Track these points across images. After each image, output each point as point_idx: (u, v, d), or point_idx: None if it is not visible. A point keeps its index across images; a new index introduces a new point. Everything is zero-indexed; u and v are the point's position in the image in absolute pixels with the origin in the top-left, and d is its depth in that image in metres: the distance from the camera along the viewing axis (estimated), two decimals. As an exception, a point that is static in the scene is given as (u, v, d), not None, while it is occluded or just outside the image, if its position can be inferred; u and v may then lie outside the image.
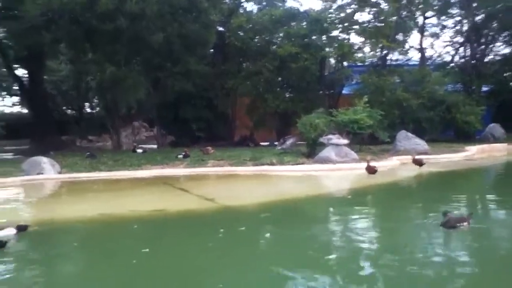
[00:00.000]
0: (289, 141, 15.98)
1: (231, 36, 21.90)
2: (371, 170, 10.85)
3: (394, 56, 23.01)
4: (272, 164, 12.92)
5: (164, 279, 4.40)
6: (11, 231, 5.85)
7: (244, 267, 4.80)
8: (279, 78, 22.61)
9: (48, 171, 11.84)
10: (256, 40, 22.35)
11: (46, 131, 21.10)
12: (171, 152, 16.41)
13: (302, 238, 5.75)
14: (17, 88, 28.75)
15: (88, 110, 32.39)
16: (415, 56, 24.18)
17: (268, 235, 6.02)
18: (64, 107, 31.57)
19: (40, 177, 11.58)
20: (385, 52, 22.23)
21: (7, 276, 4.58)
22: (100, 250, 5.61)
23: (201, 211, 7.80)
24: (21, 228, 5.94)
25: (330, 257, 4.92)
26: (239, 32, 21.95)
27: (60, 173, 12.20)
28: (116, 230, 6.77)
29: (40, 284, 4.41)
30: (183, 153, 14.98)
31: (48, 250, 5.53)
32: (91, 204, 8.58)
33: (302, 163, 12.99)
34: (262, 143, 21.32)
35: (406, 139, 15.29)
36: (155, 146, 22.08)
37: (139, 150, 17.57)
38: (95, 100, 30.08)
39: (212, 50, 22.73)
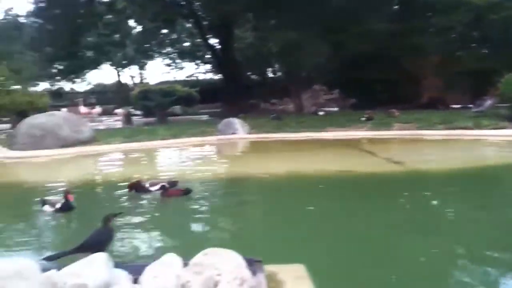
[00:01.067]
0: (487, 103, 14.22)
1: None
2: None
3: None
4: (467, 128, 11.68)
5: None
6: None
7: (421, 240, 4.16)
8: (475, 33, 20.10)
9: (240, 131, 12.88)
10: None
11: (235, 95, 22.89)
12: (353, 115, 16.18)
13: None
14: (209, 56, 31.78)
15: (271, 75, 33.92)
16: None
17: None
18: (248, 73, 33.66)
19: (233, 137, 12.69)
20: None
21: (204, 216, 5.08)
22: (287, 204, 5.69)
23: (388, 173, 7.47)
24: (172, 185, 6.16)
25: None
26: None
27: (249, 133, 13.14)
28: (303, 186, 6.89)
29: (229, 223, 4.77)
30: (366, 116, 14.60)
31: (235, 198, 6.01)
32: (278, 162, 8.99)
33: (504, 128, 11.46)
34: (453, 106, 19.48)
35: None
36: (335, 109, 22.09)
37: (321, 113, 17.78)
38: (277, 65, 31.30)
39: (396, 7, 21.31)
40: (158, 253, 3.71)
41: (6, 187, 7.68)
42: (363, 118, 14.41)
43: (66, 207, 5.15)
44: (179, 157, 11.01)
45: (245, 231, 4.69)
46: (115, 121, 24.69)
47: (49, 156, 10.82)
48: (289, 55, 20.27)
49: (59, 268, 2.35)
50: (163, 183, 5.96)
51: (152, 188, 6.00)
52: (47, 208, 5.22)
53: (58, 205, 5.17)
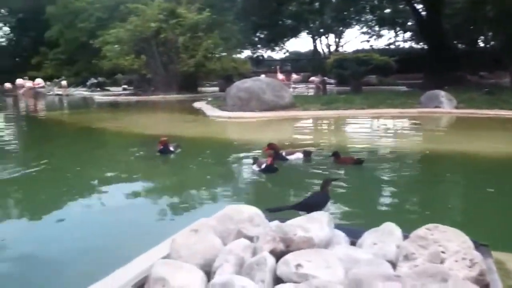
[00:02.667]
0: None
1: None
2: None
3: None
4: None
5: None
6: (299, 156, 6.27)
7: None
8: None
9: (445, 105, 11.84)
10: None
11: (439, 65, 21.10)
12: None
13: None
14: (411, 23, 29.86)
15: (481, 44, 30.27)
16: None
17: None
18: (455, 42, 30.61)
19: (436, 111, 11.74)
20: None
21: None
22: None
23: None
24: (307, 154, 6.33)
25: None
26: None
27: (456, 108, 11.98)
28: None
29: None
30: None
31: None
32: (487, 141, 8.01)
33: None
34: None
35: None
36: None
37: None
38: (490, 33, 27.67)
39: None
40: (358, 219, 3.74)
41: (219, 142, 8.68)
42: None
43: (270, 169, 5.50)
44: (375, 127, 10.75)
45: (452, 210, 4.34)
46: (308, 89, 25.44)
47: (254, 117, 11.75)
48: (507, 22, 17.60)
49: (281, 220, 2.50)
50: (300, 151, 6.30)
51: (291, 157, 6.21)
52: (254, 167, 5.66)
53: (263, 166, 5.54)
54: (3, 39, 48.31)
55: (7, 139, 10.33)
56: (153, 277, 1.98)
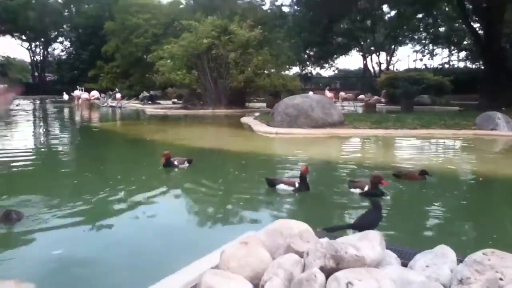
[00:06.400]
0: None
1: None
2: None
3: None
4: None
5: None
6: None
7: None
8: None
9: (502, 127, 11.33)
10: None
11: (497, 86, 20.25)
12: None
13: None
14: (467, 42, 28.99)
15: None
16: None
17: None
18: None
19: (493, 133, 11.25)
20: None
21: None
22: None
23: None
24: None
25: None
26: None
27: (514, 130, 11.45)
28: None
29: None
30: None
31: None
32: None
33: None
34: None
35: None
36: None
37: None
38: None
39: None
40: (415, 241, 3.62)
41: (271, 158, 8.75)
42: None
43: (374, 193, 5.03)
44: (426, 148, 10.41)
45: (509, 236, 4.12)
46: (356, 107, 25.14)
47: (302, 134, 11.72)
48: None
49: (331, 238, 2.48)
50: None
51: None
52: (355, 190, 5.26)
53: (365, 189, 5.12)
54: (63, 53, 51.24)
55: (65, 146, 10.86)
56: (203, 286, 2.01)
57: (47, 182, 6.39)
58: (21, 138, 12.30)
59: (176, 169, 6.82)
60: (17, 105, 25.90)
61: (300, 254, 2.33)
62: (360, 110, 22.80)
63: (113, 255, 3.54)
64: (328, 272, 2.09)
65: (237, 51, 21.07)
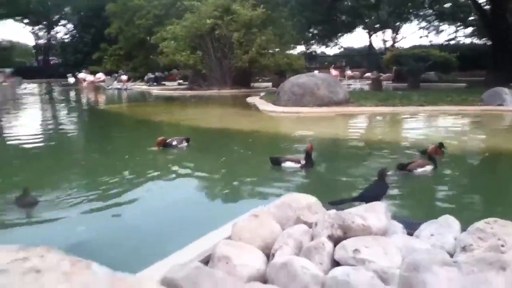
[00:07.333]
0: None
1: None
2: None
3: None
4: None
5: None
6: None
7: None
8: None
9: (509, 102, 11.31)
10: None
11: (504, 62, 20.04)
12: None
13: None
14: (473, 18, 28.57)
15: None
16: None
17: None
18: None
19: (500, 108, 11.24)
20: None
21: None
22: None
23: None
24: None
25: None
26: None
27: (520, 105, 11.42)
28: None
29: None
30: None
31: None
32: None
33: None
34: None
35: None
36: None
37: None
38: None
39: None
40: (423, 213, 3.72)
41: (277, 136, 8.83)
42: None
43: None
44: (433, 125, 10.42)
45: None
46: (362, 85, 25.02)
47: (309, 113, 11.76)
48: None
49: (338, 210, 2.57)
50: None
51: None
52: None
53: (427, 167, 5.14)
54: (66, 36, 51.03)
55: (72, 128, 10.99)
56: (217, 256, 2.11)
57: (58, 162, 6.54)
58: (31, 121, 12.45)
59: (175, 150, 6.88)
60: (24, 89, 26.03)
61: (309, 225, 2.43)
62: (366, 88, 22.71)
63: (131, 230, 3.70)
64: (335, 241, 2.19)
65: (241, 31, 20.93)
